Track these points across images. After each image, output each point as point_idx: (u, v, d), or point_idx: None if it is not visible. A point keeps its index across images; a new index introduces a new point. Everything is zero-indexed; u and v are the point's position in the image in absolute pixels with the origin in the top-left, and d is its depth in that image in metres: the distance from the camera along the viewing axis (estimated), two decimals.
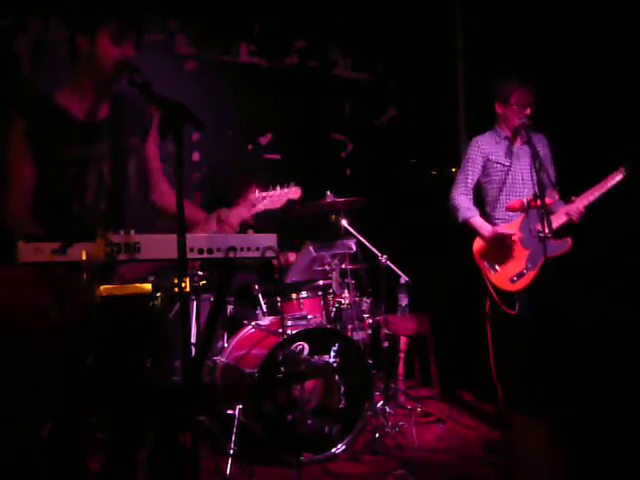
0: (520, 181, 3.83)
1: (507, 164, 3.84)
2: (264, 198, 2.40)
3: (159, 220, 2.52)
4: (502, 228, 3.75)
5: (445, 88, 5.68)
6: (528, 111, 3.68)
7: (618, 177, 3.63)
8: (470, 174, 3.91)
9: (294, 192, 2.47)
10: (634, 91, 4.04)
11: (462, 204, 3.88)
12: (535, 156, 3.44)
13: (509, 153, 3.85)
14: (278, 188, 2.44)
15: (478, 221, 3.83)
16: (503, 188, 3.83)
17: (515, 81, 3.78)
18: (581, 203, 3.64)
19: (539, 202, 3.32)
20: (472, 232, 3.85)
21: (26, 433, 2.16)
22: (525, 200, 3.53)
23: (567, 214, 3.65)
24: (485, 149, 3.89)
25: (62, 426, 2.21)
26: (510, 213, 3.75)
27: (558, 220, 3.64)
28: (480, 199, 3.97)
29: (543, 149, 3.80)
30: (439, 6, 5.60)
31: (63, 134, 2.25)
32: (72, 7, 2.32)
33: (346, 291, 4.11)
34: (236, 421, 3.32)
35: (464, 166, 3.95)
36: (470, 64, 5.64)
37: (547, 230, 3.25)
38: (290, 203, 2.47)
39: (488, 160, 3.88)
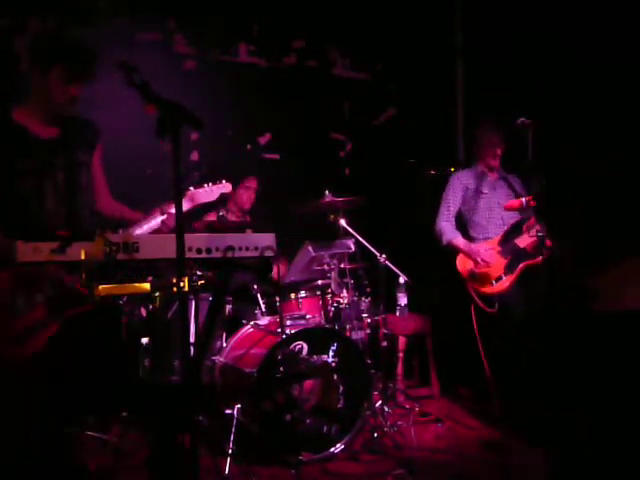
0: (496, 205, 4.19)
1: (485, 192, 4.24)
2: (199, 193, 2.71)
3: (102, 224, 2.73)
4: (482, 246, 4.10)
5: (444, 88, 5.68)
6: (499, 151, 4.14)
7: None
8: (451, 204, 4.30)
9: (225, 187, 2.80)
10: (635, 92, 4.04)
11: (445, 229, 4.28)
12: (511, 187, 3.99)
13: (486, 184, 4.25)
14: (210, 184, 2.79)
15: (460, 241, 4.22)
16: (483, 213, 4.22)
17: (482, 126, 4.23)
18: None
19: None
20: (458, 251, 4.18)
21: (22, 434, 2.16)
22: (524, 199, 3.70)
23: None
24: (464, 180, 4.30)
25: (56, 429, 2.22)
26: (491, 233, 4.14)
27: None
28: (463, 225, 4.33)
29: (518, 187, 4.21)
30: (438, 5, 5.60)
31: (21, 148, 2.46)
32: (32, 42, 2.54)
33: (345, 291, 4.11)
34: (235, 421, 3.32)
35: (445, 197, 4.33)
36: (469, 64, 5.64)
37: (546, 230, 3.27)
38: (223, 197, 2.82)
39: (467, 189, 4.29)
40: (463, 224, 4.34)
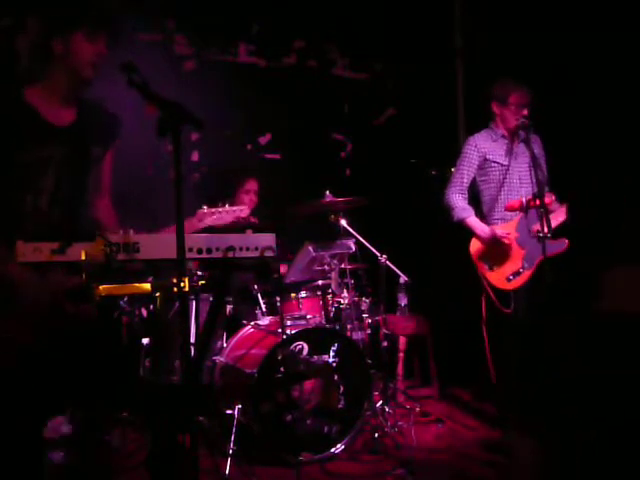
0: (517, 180, 3.83)
1: (505, 163, 3.83)
2: (212, 214, 2.46)
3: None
4: (498, 229, 3.76)
5: (444, 87, 5.68)
6: (525, 112, 3.70)
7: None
8: (466, 173, 3.90)
9: (242, 210, 2.54)
10: (634, 91, 4.04)
11: (457, 203, 3.88)
12: (533, 156, 3.49)
13: (506, 152, 3.85)
14: (227, 205, 2.51)
15: (474, 221, 3.84)
16: (501, 188, 3.82)
17: (513, 82, 3.81)
18: None
19: (538, 202, 3.33)
20: (471, 232, 3.86)
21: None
22: (524, 200, 3.53)
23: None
24: (482, 148, 3.88)
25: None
26: (509, 213, 3.75)
27: (557, 219, 3.68)
28: (476, 198, 3.97)
29: (537, 149, 3.82)
30: (438, 5, 5.60)
31: (27, 134, 2.24)
32: (48, 9, 2.37)
33: (345, 291, 4.11)
34: (235, 421, 3.32)
35: (459, 165, 3.93)
36: (469, 63, 5.64)
37: (546, 230, 3.26)
38: (238, 221, 2.56)
39: (485, 159, 3.87)
40: (475, 196, 3.95)
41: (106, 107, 2.46)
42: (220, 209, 2.48)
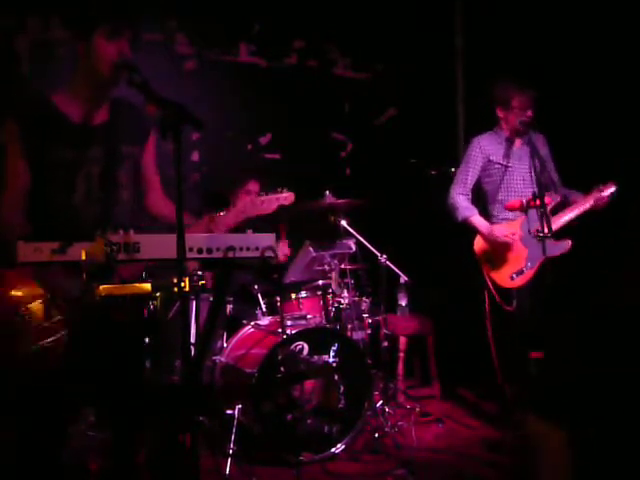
0: (521, 181, 3.87)
1: (508, 164, 3.88)
2: (254, 203, 2.36)
3: (147, 223, 2.54)
4: (501, 228, 3.78)
5: (445, 88, 5.68)
6: (529, 113, 3.75)
7: None
8: (470, 174, 3.95)
9: (286, 197, 2.40)
10: (635, 90, 4.04)
11: (461, 203, 3.91)
12: (535, 156, 3.50)
13: (510, 154, 3.90)
14: (270, 193, 2.39)
15: (477, 220, 3.87)
16: (503, 188, 3.88)
17: (515, 85, 3.82)
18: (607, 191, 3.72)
19: (538, 202, 3.33)
20: (472, 231, 3.90)
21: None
22: (524, 200, 3.56)
23: (594, 202, 3.71)
24: (486, 149, 3.93)
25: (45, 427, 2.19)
26: (511, 214, 3.79)
27: (578, 208, 3.73)
28: (480, 198, 4.01)
29: (543, 148, 3.86)
30: (439, 6, 5.60)
31: (57, 136, 2.27)
32: (69, 8, 2.34)
33: (345, 291, 4.10)
34: (236, 421, 3.32)
35: (464, 165, 3.98)
36: (470, 63, 5.64)
37: (546, 230, 3.26)
38: (281, 208, 2.41)
39: (489, 160, 3.92)
40: (480, 197, 4.00)
41: (137, 104, 2.45)
42: (262, 197, 2.37)
